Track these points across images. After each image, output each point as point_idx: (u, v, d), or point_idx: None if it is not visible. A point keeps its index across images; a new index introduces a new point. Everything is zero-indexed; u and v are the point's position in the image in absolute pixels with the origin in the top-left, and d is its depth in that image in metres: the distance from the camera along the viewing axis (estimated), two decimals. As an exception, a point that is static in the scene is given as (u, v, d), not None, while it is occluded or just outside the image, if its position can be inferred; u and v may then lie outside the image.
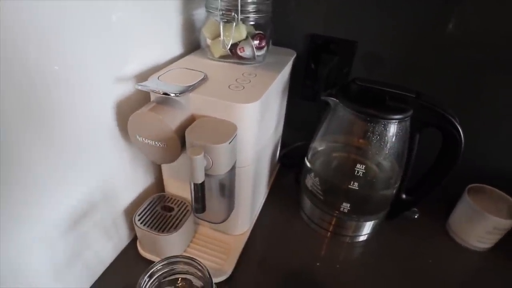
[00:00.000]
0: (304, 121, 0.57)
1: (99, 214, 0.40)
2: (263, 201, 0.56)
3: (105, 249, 0.43)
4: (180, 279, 0.31)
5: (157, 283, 0.30)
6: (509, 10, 0.44)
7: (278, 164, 0.63)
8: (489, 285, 0.45)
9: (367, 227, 0.49)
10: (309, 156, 0.50)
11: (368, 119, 0.41)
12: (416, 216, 0.52)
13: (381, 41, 0.52)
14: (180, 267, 0.30)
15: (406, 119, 0.41)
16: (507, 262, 0.48)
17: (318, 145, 0.50)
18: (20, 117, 0.27)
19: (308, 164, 0.50)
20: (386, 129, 0.41)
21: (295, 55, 0.51)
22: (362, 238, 0.50)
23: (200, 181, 0.33)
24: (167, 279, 0.31)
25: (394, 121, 0.41)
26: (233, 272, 0.43)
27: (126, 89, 0.39)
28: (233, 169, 0.36)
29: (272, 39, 0.47)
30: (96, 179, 0.38)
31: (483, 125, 0.52)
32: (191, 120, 0.36)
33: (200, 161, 0.31)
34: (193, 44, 0.50)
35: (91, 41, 0.32)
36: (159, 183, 0.50)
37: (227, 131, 0.34)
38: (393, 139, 0.42)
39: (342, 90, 0.44)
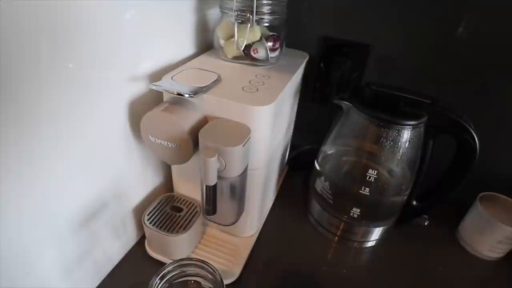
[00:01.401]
0: (314, 123, 0.57)
1: (109, 213, 0.40)
2: (271, 203, 0.55)
3: (114, 247, 0.43)
4: (191, 281, 0.31)
5: (167, 284, 0.30)
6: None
7: (287, 167, 0.63)
8: (500, 295, 0.44)
9: (376, 233, 0.49)
10: (320, 159, 0.50)
11: (382, 124, 0.41)
12: (426, 223, 0.51)
13: (395, 45, 0.51)
14: (191, 269, 0.30)
15: (420, 125, 0.40)
16: (518, 272, 0.47)
17: (329, 148, 0.49)
18: (33, 114, 0.27)
19: (318, 167, 0.50)
20: (399, 135, 0.41)
21: (307, 58, 0.51)
22: (370, 244, 0.50)
23: (212, 184, 0.32)
24: (177, 280, 0.31)
25: (408, 127, 0.40)
26: (240, 274, 0.43)
27: (139, 88, 0.39)
28: (245, 171, 0.36)
29: (286, 41, 0.46)
30: (106, 177, 0.38)
31: (497, 132, 0.51)
32: (204, 121, 0.36)
33: (213, 164, 0.31)
34: (205, 44, 0.50)
35: (104, 39, 0.32)
36: (168, 183, 0.50)
37: (240, 134, 0.34)
38: (407, 145, 0.42)
39: (355, 94, 0.43)
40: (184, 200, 0.46)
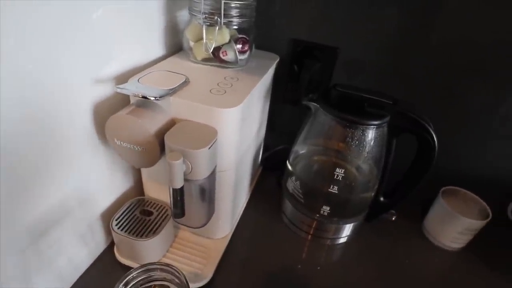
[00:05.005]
0: (287, 124, 0.58)
1: (74, 219, 0.39)
2: (245, 204, 0.56)
3: (80, 254, 0.42)
4: (157, 286, 0.31)
5: (133, 290, 0.29)
6: (485, 20, 0.46)
7: (260, 167, 0.63)
8: (462, 283, 0.47)
9: (347, 229, 0.50)
10: (291, 159, 0.51)
11: (347, 124, 0.42)
12: (393, 218, 0.53)
13: (363, 48, 0.53)
14: (157, 274, 0.30)
15: (383, 124, 0.42)
16: (478, 261, 0.50)
17: (300, 148, 0.51)
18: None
19: (289, 167, 0.51)
20: (364, 134, 0.42)
21: (278, 60, 0.51)
22: (342, 240, 0.51)
23: (179, 186, 0.32)
24: (144, 286, 0.30)
25: (372, 126, 0.42)
26: (213, 276, 0.43)
27: (105, 90, 0.38)
28: (213, 173, 0.36)
29: (255, 43, 0.47)
30: (71, 183, 0.37)
31: (457, 130, 0.54)
32: (171, 124, 0.36)
33: (179, 166, 0.31)
34: (175, 46, 0.49)
35: (68, 40, 0.31)
36: (138, 187, 0.49)
37: (207, 136, 0.34)
38: (371, 144, 0.43)
39: (323, 96, 0.45)
40: (154, 203, 0.45)
